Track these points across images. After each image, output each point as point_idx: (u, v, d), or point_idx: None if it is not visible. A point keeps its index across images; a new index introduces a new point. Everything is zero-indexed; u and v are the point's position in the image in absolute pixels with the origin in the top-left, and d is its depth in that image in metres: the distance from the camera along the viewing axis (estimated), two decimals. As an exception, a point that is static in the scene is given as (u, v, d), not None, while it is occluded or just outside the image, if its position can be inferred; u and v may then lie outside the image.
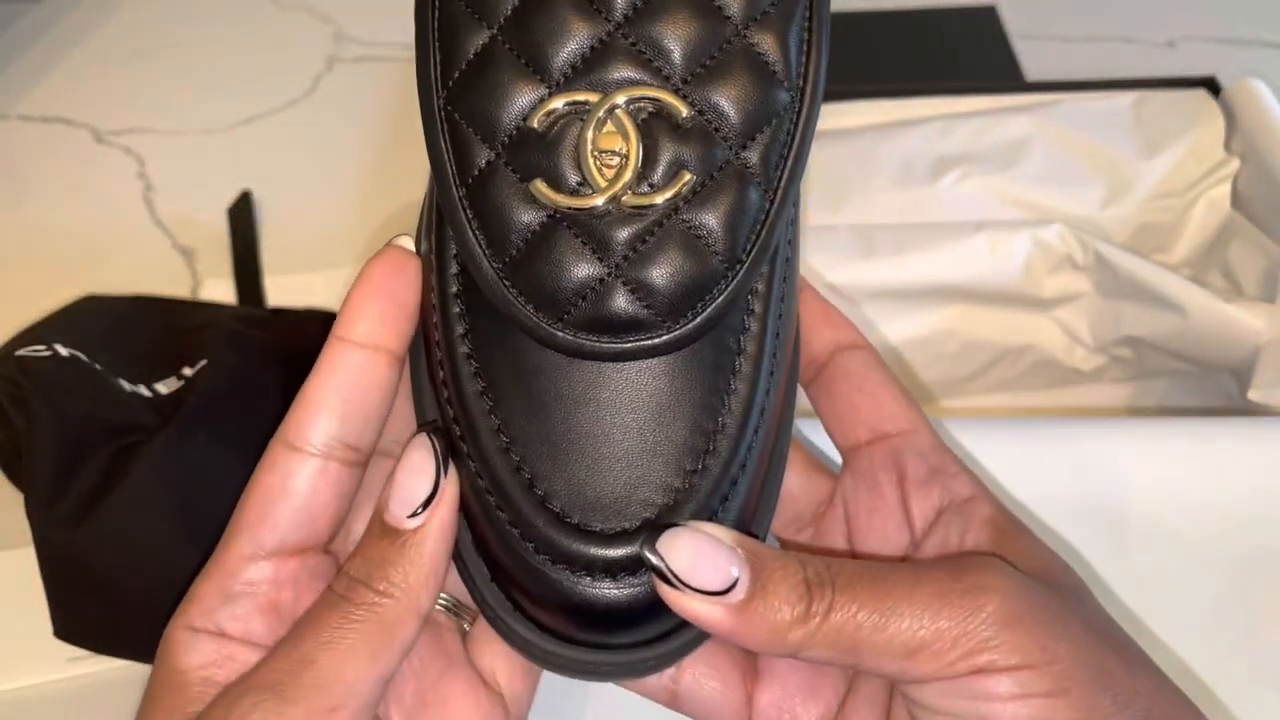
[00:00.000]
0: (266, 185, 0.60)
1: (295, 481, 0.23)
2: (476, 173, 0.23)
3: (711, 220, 0.23)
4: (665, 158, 0.23)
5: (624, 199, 0.22)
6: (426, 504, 0.23)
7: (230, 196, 0.58)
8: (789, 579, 0.22)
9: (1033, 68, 0.67)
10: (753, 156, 0.23)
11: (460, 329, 0.24)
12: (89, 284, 0.47)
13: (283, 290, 0.53)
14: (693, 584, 0.21)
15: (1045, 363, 0.48)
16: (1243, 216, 0.47)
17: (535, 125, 0.23)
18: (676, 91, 0.23)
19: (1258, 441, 0.34)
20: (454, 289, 0.25)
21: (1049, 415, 0.49)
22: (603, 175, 0.23)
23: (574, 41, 0.23)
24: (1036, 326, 0.48)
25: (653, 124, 0.23)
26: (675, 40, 0.23)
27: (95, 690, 0.39)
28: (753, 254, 0.23)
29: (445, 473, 0.23)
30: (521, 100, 0.23)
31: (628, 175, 0.22)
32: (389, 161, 0.62)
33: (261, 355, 0.40)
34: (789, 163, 0.23)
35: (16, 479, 0.41)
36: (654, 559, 0.21)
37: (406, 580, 0.22)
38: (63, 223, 0.59)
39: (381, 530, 0.23)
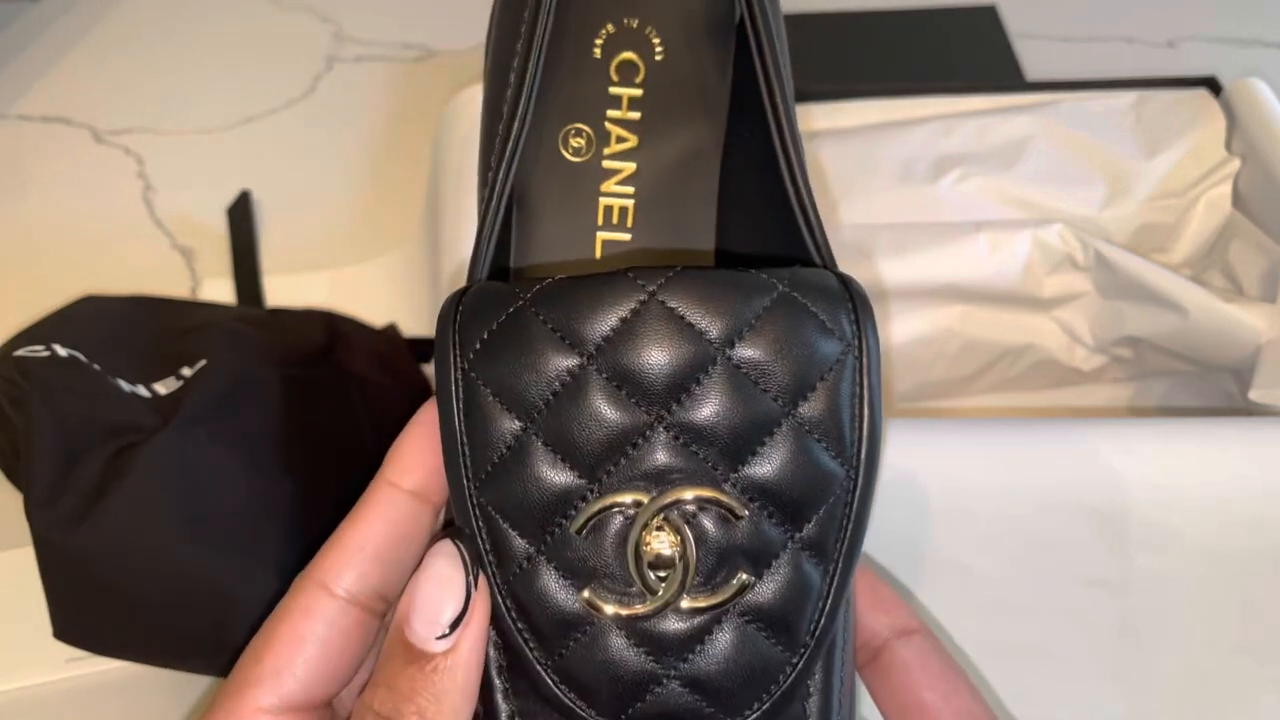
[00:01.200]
0: (266, 185, 0.60)
1: (330, 629, 0.21)
2: (518, 569, 0.21)
3: (771, 609, 0.21)
4: (719, 555, 0.21)
5: (679, 603, 0.21)
6: (456, 623, 0.21)
7: (230, 196, 0.58)
8: None
9: (1033, 67, 0.66)
10: (810, 536, 0.22)
11: (506, 709, 0.22)
12: (88, 284, 0.47)
13: (282, 290, 0.53)
14: None
15: (1045, 363, 0.48)
16: (1243, 216, 0.47)
17: (578, 527, 0.21)
18: (726, 481, 0.21)
19: (1258, 441, 0.34)
20: (496, 663, 0.22)
21: (1049, 415, 0.49)
22: (654, 579, 0.21)
23: (613, 437, 0.21)
24: (1037, 326, 0.48)
25: (703, 520, 0.21)
26: (721, 430, 0.21)
27: (95, 690, 0.39)
28: (816, 637, 0.22)
29: (476, 585, 0.21)
30: (560, 498, 0.21)
31: (680, 581, 0.21)
32: (389, 161, 0.62)
33: (261, 355, 0.40)
34: (847, 538, 0.22)
35: (16, 479, 0.41)
36: None
37: (440, 711, 0.20)
38: (62, 222, 0.59)
39: (406, 655, 0.21)
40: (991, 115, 0.50)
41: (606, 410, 0.21)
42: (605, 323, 0.21)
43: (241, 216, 0.57)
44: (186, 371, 0.39)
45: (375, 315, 0.48)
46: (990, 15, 0.71)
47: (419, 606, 0.20)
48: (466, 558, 0.21)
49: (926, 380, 0.48)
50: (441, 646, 0.20)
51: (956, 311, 0.47)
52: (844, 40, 0.70)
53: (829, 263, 0.25)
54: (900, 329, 0.47)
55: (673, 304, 0.21)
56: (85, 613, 0.36)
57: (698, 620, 0.21)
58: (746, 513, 0.21)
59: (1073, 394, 0.49)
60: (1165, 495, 0.34)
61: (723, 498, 0.21)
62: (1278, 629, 0.35)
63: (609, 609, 0.21)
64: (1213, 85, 0.50)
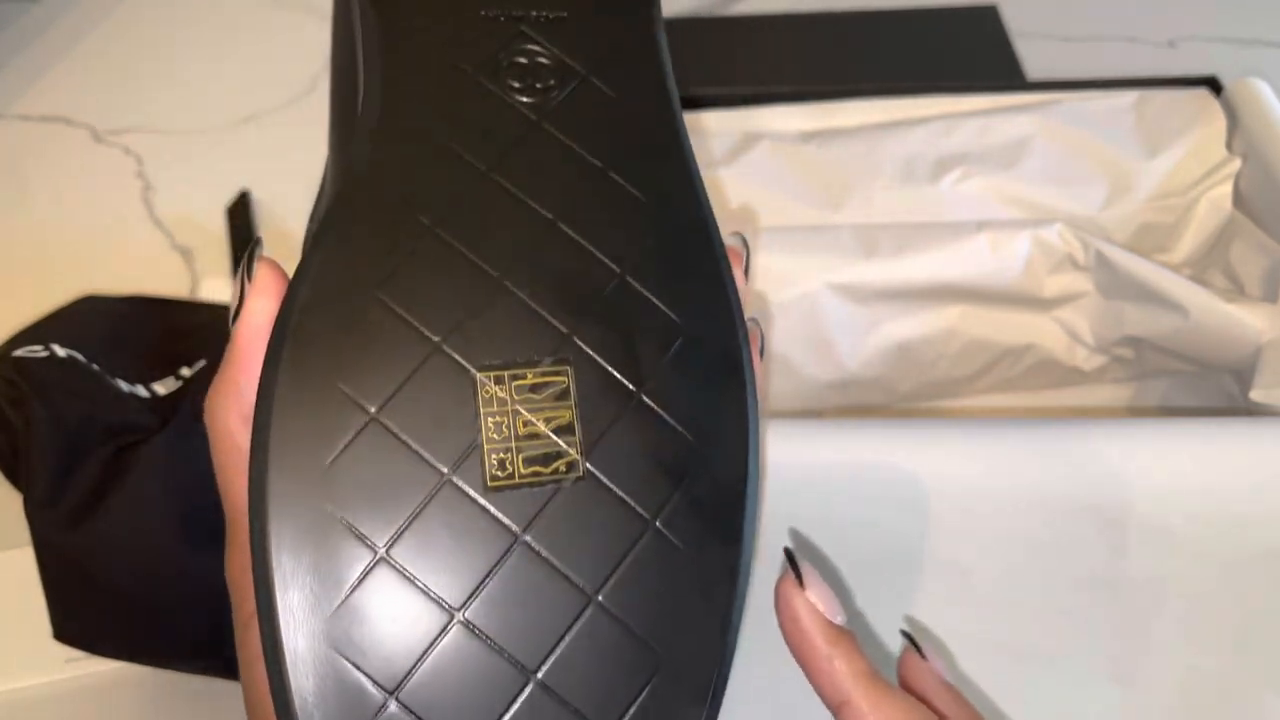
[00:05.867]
0: (265, 185, 0.60)
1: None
2: None
3: None
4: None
5: None
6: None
7: (229, 196, 0.58)
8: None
9: (1034, 67, 0.66)
10: None
11: None
12: (87, 284, 0.47)
13: (282, 290, 0.53)
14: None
15: (1046, 363, 0.48)
16: (1244, 216, 0.47)
17: None
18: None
19: (1258, 441, 0.34)
20: None
21: (1049, 415, 0.49)
22: None
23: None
24: (1037, 326, 0.48)
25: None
26: None
27: (95, 690, 0.39)
28: None
29: (250, 278, 0.23)
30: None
31: None
32: (389, 161, 0.62)
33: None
34: None
35: (15, 480, 0.41)
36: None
37: (224, 383, 0.22)
38: (61, 222, 0.59)
39: None
40: (992, 115, 0.50)
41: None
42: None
43: (241, 216, 0.57)
44: (186, 371, 0.39)
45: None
46: (990, 15, 0.71)
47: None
48: (243, 265, 0.23)
49: (927, 380, 0.48)
50: (234, 330, 0.23)
51: (957, 311, 0.47)
52: (844, 40, 0.70)
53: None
54: (900, 329, 0.47)
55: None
56: (85, 613, 0.36)
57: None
58: None
59: (1073, 394, 0.49)
60: (1165, 495, 0.34)
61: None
62: (1277, 629, 0.35)
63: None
64: (1213, 85, 0.50)
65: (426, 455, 0.20)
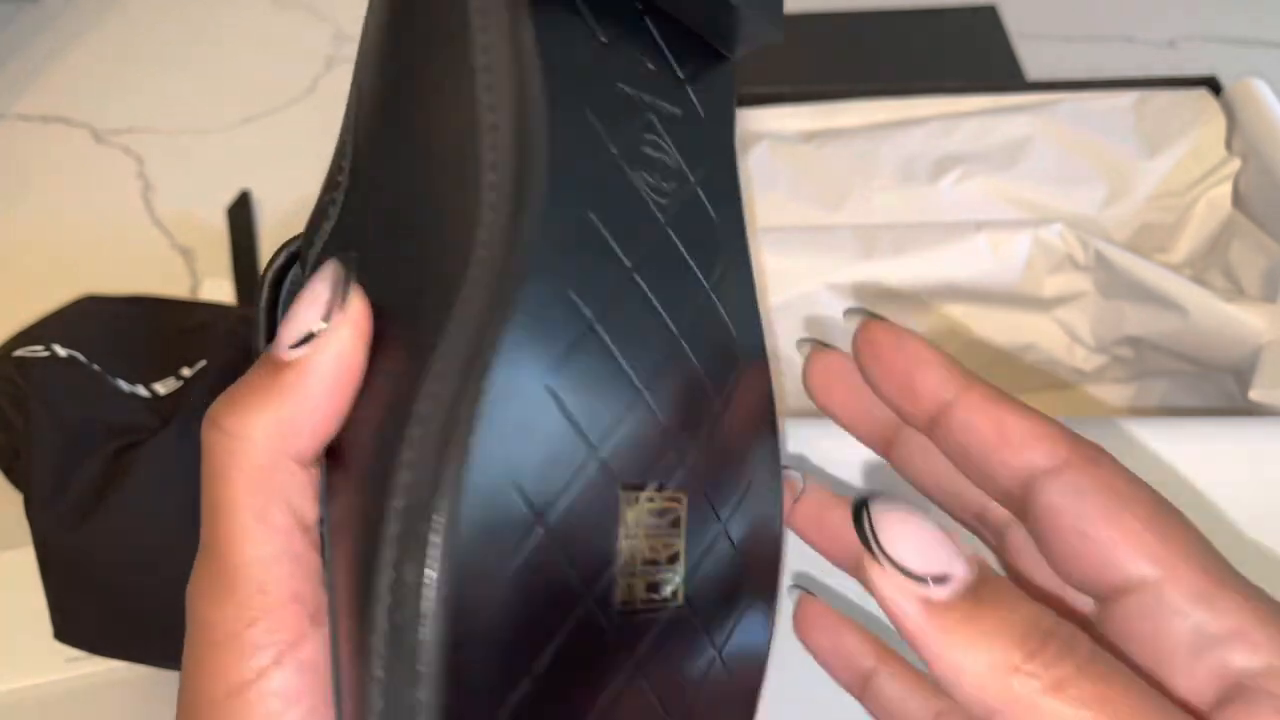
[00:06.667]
0: (265, 185, 0.60)
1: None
2: None
3: None
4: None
5: None
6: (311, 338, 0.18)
7: (229, 196, 0.58)
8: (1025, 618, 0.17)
9: (1033, 67, 0.67)
10: None
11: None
12: (88, 284, 0.47)
13: (282, 290, 0.53)
14: (897, 557, 0.17)
15: (1046, 363, 0.48)
16: (1244, 216, 0.47)
17: None
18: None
19: (1258, 441, 0.34)
20: None
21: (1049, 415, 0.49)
22: None
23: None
24: (1037, 326, 0.48)
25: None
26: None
27: (95, 690, 0.39)
28: None
29: (346, 298, 0.18)
30: None
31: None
32: (389, 161, 0.62)
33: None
34: None
35: (16, 480, 0.41)
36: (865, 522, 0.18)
37: (279, 416, 0.18)
38: (62, 222, 0.59)
39: (264, 369, 0.18)
40: (991, 115, 0.50)
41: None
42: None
43: (241, 216, 0.57)
44: (186, 371, 0.39)
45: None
46: (990, 15, 0.71)
47: (288, 321, 0.18)
48: (343, 275, 0.19)
49: (927, 380, 0.48)
50: (293, 355, 0.18)
51: (956, 311, 0.47)
52: (844, 40, 0.70)
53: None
54: (900, 329, 0.47)
55: None
56: (85, 613, 0.36)
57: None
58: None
59: (1073, 394, 0.49)
60: (1165, 495, 0.34)
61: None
62: (1278, 629, 0.35)
63: None
64: (1213, 85, 0.50)
65: (572, 576, 0.19)
